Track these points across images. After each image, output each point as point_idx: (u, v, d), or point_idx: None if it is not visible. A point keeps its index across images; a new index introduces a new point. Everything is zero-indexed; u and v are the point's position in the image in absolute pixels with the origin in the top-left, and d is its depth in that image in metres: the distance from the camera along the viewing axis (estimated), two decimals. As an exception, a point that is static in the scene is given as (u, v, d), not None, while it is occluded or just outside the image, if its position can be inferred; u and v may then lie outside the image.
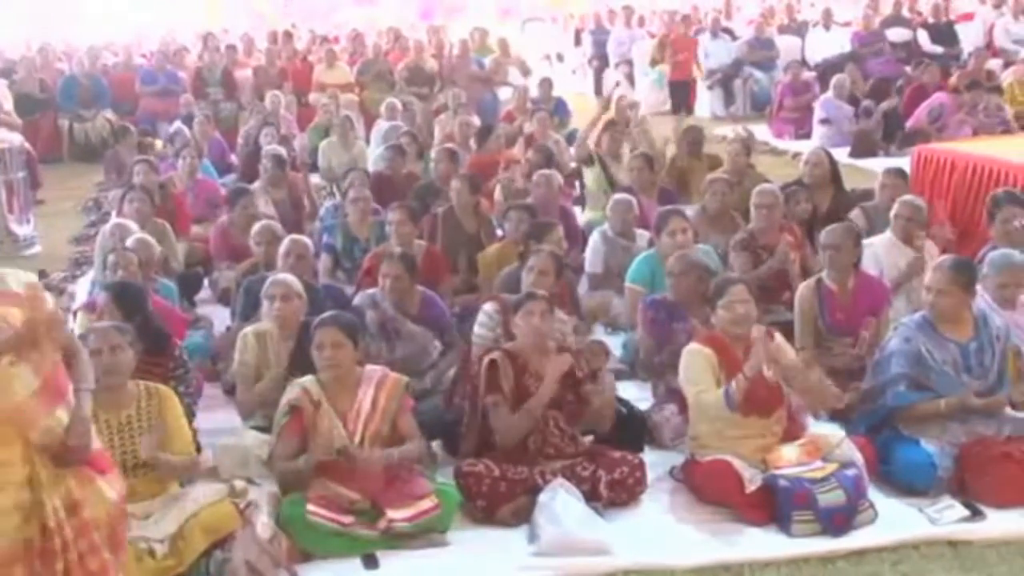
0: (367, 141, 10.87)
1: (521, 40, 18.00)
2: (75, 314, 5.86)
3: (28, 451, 2.94)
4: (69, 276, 7.95)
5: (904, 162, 8.34)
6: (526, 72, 14.87)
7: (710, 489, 4.31)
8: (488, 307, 5.24)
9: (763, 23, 16.24)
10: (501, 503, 4.21)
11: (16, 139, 9.57)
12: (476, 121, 11.01)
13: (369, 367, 4.38)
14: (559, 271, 5.42)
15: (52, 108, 13.16)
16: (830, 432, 4.54)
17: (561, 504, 4.06)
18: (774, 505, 4.12)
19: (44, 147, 12.18)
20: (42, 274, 8.00)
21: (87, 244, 8.63)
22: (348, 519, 3.96)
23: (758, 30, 15.65)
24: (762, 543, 4.03)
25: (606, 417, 4.57)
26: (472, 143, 9.83)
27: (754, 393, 4.27)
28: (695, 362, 4.44)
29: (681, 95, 15.40)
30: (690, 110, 15.09)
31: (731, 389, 4.25)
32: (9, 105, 12.24)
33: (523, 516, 4.17)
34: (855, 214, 6.79)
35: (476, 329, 5.22)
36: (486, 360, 4.45)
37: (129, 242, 6.04)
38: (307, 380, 4.28)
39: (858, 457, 4.23)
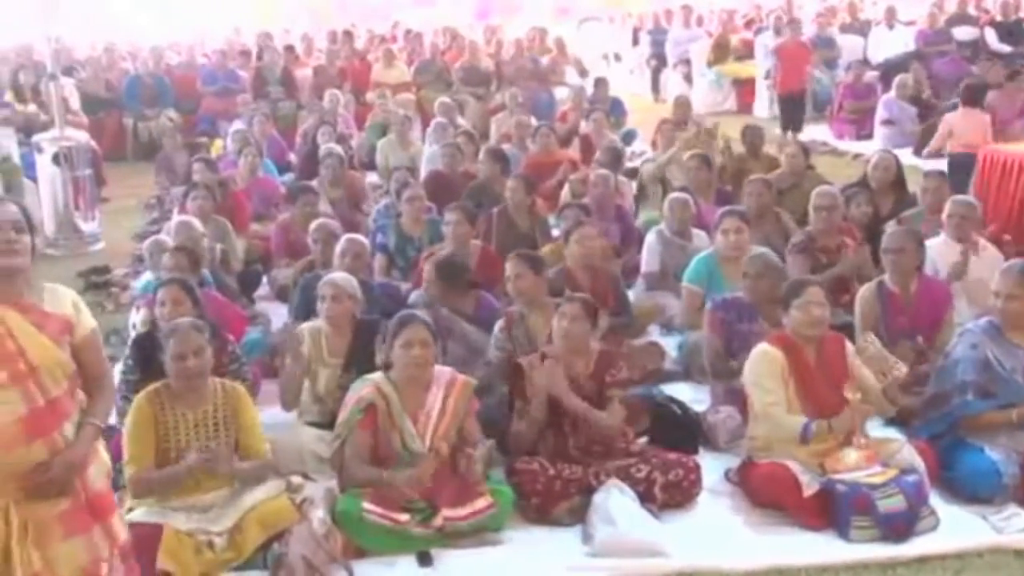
0: (423, 140, 10.92)
1: (578, 40, 17.96)
2: (137, 308, 5.96)
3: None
4: (131, 272, 8.08)
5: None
6: (583, 72, 14.84)
7: (767, 492, 4.26)
8: (496, 325, 5.20)
9: (825, 22, 16.02)
10: (555, 502, 4.21)
11: (82, 137, 9.75)
12: (532, 121, 11.01)
13: (438, 368, 4.38)
14: (536, 269, 5.23)
15: (117, 107, 13.40)
16: (890, 437, 4.46)
17: (616, 504, 4.05)
18: (832, 510, 4.07)
19: (109, 145, 12.39)
20: (105, 270, 8.17)
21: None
22: (403, 517, 3.97)
23: (820, 29, 15.45)
24: (819, 548, 3.98)
25: (609, 436, 4.46)
26: (529, 143, 9.83)
27: (821, 405, 4.22)
28: (763, 365, 4.38)
29: (792, 110, 12.98)
30: (749, 110, 14.93)
31: (811, 429, 4.20)
32: (76, 104, 12.48)
33: (577, 516, 4.17)
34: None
35: (491, 351, 5.20)
36: (512, 364, 4.47)
37: (180, 237, 6.14)
38: (379, 377, 4.29)
39: (919, 463, 4.15)
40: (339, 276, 5.15)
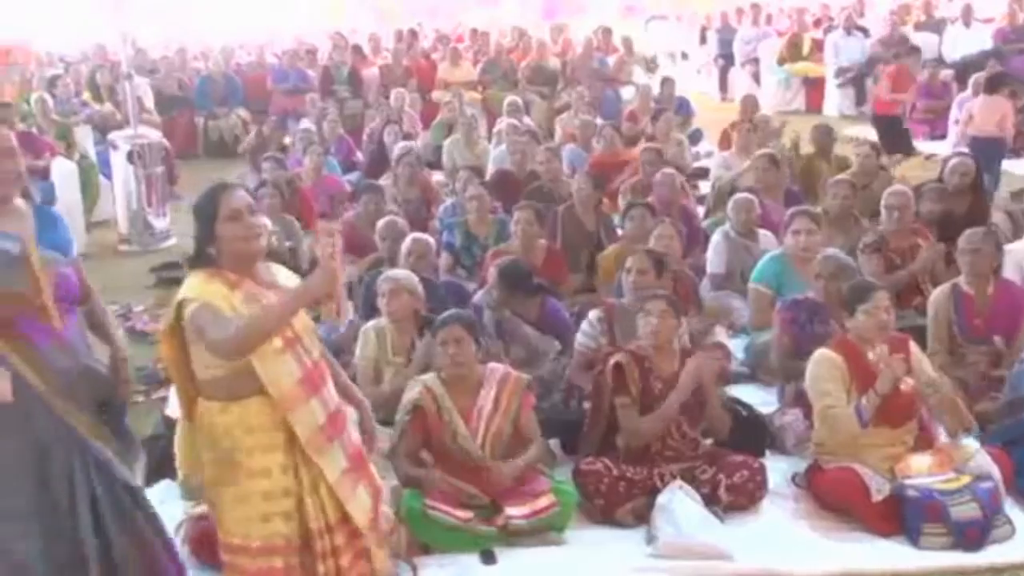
0: (489, 139, 10.93)
1: (645, 38, 17.86)
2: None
3: (291, 443, 3.04)
4: (201, 268, 8.19)
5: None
6: (650, 71, 14.76)
7: (834, 497, 4.20)
8: (592, 314, 5.19)
9: (899, 19, 15.73)
10: (619, 503, 4.19)
11: (155, 135, 9.93)
12: (598, 120, 10.98)
13: (491, 365, 4.39)
14: (659, 270, 5.30)
15: (189, 106, 13.62)
16: (964, 443, 4.36)
17: (680, 506, 4.02)
18: (902, 516, 4.00)
19: (180, 143, 12.58)
20: (176, 266, 8.30)
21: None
22: (466, 514, 3.99)
23: (893, 27, 15.16)
24: (888, 555, 3.92)
25: (721, 426, 4.48)
26: (594, 142, 9.80)
27: (887, 404, 4.14)
28: (824, 370, 4.32)
29: (892, 132, 11.65)
30: (818, 109, 14.72)
31: (862, 406, 4.13)
32: (150, 103, 12.72)
33: (641, 517, 4.16)
34: (999, 218, 6.50)
35: (579, 337, 5.20)
36: (611, 362, 4.42)
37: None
38: (429, 378, 4.31)
39: (994, 470, 4.06)
40: (398, 272, 5.18)
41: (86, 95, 12.68)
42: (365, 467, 3.19)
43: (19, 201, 3.29)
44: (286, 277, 3.21)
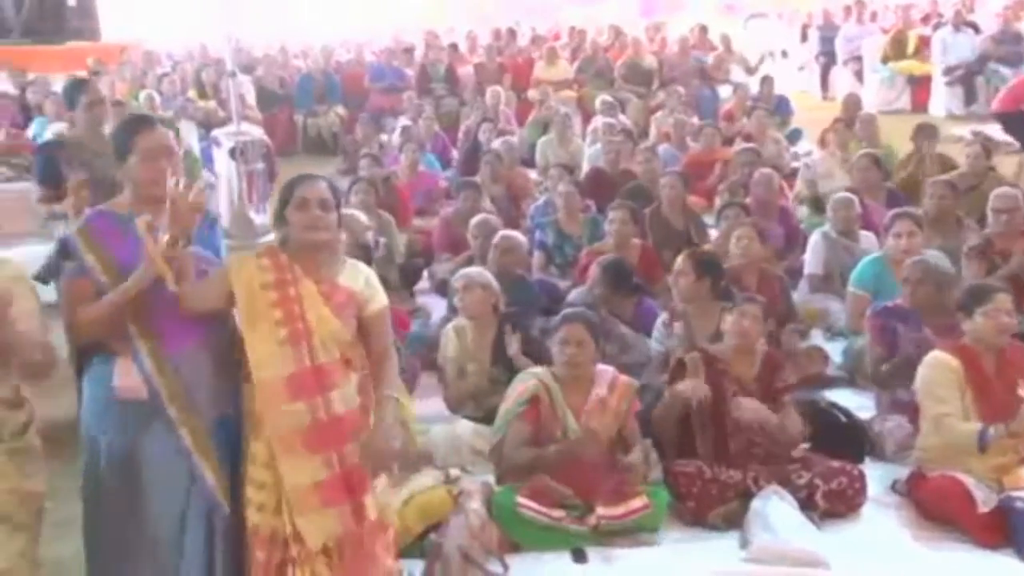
0: (583, 137, 10.90)
1: (744, 36, 17.58)
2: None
3: None
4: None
5: None
6: (748, 69, 14.53)
7: (937, 506, 4.09)
8: (661, 317, 5.14)
9: (1011, 16, 15.19)
10: (712, 506, 4.14)
11: (257, 132, 10.14)
12: (694, 119, 10.86)
13: (601, 367, 4.37)
14: (700, 272, 5.15)
15: (289, 103, 13.87)
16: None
17: (775, 511, 3.95)
18: (1009, 528, 3.87)
19: (280, 140, 12.81)
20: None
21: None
22: (558, 513, 3.98)
23: (1005, 23, 14.66)
24: (994, 568, 3.80)
25: (783, 441, 4.36)
26: (688, 141, 9.69)
27: (997, 411, 4.00)
28: (940, 375, 4.20)
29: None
30: (924, 108, 14.31)
31: (989, 435, 3.99)
32: (252, 100, 12.99)
33: (735, 520, 4.10)
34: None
35: (652, 343, 5.14)
36: (674, 360, 4.40)
37: (346, 229, 6.26)
38: (542, 372, 4.31)
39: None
40: (471, 268, 5.18)
41: (192, 92, 13.00)
42: (356, 494, 3.10)
43: None
44: (353, 277, 3.20)
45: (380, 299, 3.25)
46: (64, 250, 3.14)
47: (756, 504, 4.03)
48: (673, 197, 7.10)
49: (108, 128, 5.07)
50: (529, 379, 4.28)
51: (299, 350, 3.04)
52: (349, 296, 3.16)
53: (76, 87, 5.38)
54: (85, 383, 3.19)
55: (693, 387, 4.24)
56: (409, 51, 15.09)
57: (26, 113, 11.20)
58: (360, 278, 3.22)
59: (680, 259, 5.24)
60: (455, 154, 11.06)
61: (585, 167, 9.39)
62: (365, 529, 3.12)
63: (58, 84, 12.16)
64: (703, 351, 4.42)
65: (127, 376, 3.08)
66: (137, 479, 3.10)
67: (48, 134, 8.75)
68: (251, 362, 3.03)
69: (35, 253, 5.53)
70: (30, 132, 10.14)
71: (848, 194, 6.73)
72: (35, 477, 2.97)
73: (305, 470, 3.03)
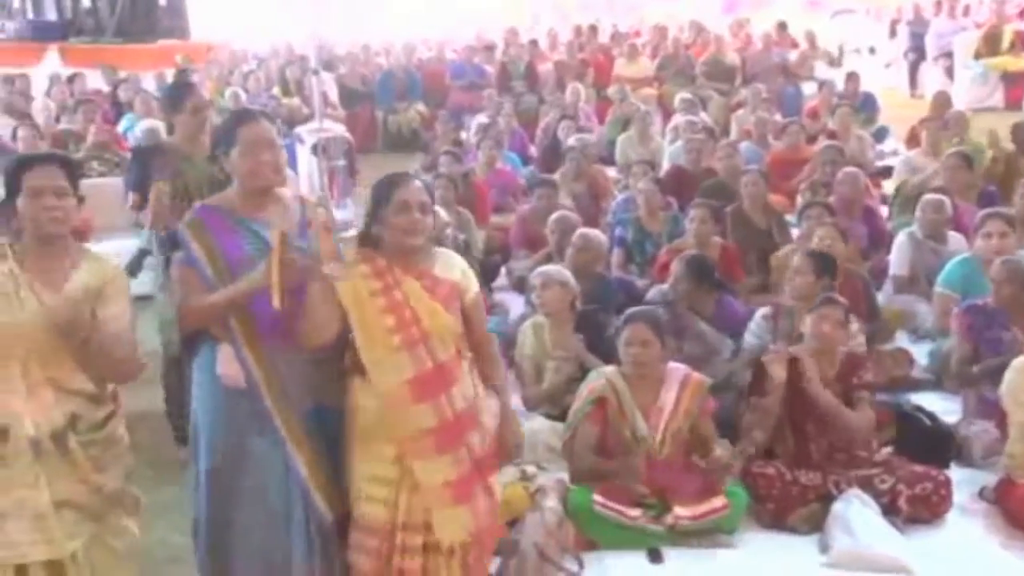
0: (664, 135, 10.83)
1: (830, 33, 17.27)
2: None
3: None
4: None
5: None
6: (832, 62, 14.27)
7: (1027, 514, 3.96)
8: (760, 312, 5.07)
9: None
10: (792, 508, 4.09)
11: (338, 129, 10.27)
12: (776, 117, 10.71)
13: (672, 365, 4.33)
14: (819, 271, 5.10)
15: (370, 101, 14.02)
16: None
17: (857, 515, 3.89)
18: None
19: (361, 137, 12.94)
20: (356, 256, 8.55)
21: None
22: (634, 512, 3.96)
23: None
24: (1087, 580, 3.67)
25: (856, 439, 4.27)
26: (770, 139, 9.56)
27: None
28: None
29: None
30: (1018, 105, 13.88)
31: None
32: (334, 98, 13.16)
33: (815, 524, 4.04)
34: None
35: (746, 336, 5.08)
36: (759, 361, 4.35)
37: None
38: (611, 371, 4.29)
39: None
40: (549, 266, 5.17)
41: (276, 90, 13.22)
42: (484, 479, 3.15)
43: (285, 192, 3.32)
44: (448, 267, 3.22)
45: (475, 285, 3.27)
46: (173, 241, 3.22)
47: (837, 507, 3.97)
48: (755, 195, 7.01)
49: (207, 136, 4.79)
50: (598, 379, 4.26)
51: (416, 353, 3.05)
52: (451, 286, 3.17)
53: (181, 90, 5.01)
54: (194, 368, 3.26)
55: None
56: (490, 49, 15.13)
57: (117, 110, 11.50)
58: (456, 267, 3.24)
59: (798, 258, 5.17)
60: (533, 151, 11.06)
61: (665, 165, 9.32)
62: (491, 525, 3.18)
63: (147, 82, 12.51)
64: (787, 352, 4.35)
65: (229, 364, 3.14)
66: (241, 464, 3.16)
67: (138, 131, 8.99)
68: (370, 369, 3.05)
69: (126, 247, 5.73)
70: (120, 128, 10.42)
71: (939, 196, 6.57)
72: (109, 471, 3.02)
73: (438, 470, 3.06)
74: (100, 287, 2.97)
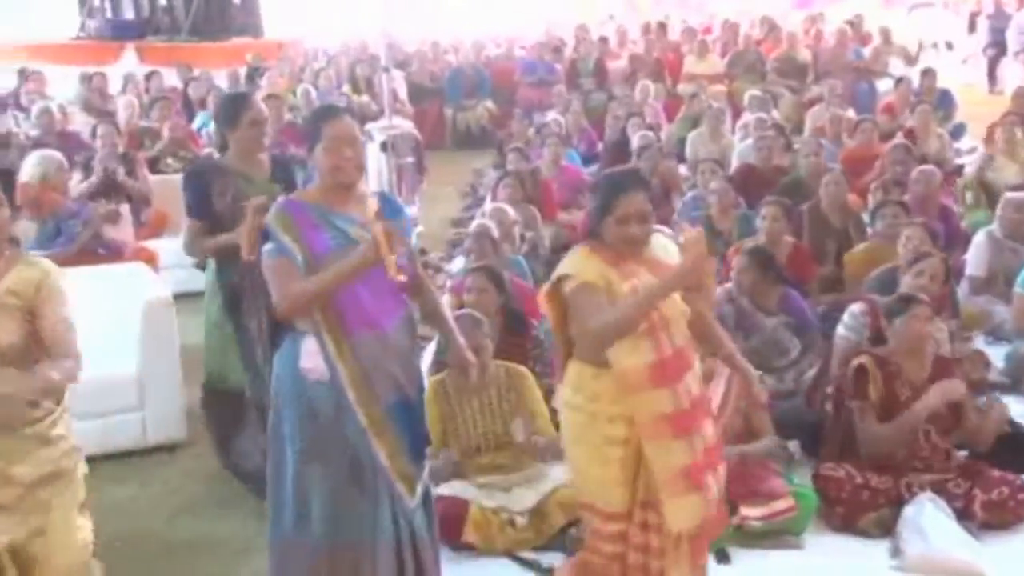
0: (733, 132, 10.71)
1: (906, 27, 16.94)
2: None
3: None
4: (446, 256, 8.49)
5: None
6: (908, 59, 13.98)
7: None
8: (855, 308, 4.99)
9: None
10: (862, 512, 4.03)
11: (407, 126, 10.34)
12: (850, 114, 10.53)
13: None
14: (946, 278, 5.04)
15: (439, 98, 14.09)
16: None
17: (930, 520, 3.82)
18: None
19: (429, 134, 13.03)
20: (422, 252, 8.62)
21: (464, 226, 9.17)
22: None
23: None
24: None
25: (985, 439, 4.21)
26: (844, 137, 9.40)
27: None
28: None
29: None
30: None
31: None
32: (404, 95, 13.25)
33: (886, 528, 3.98)
34: None
35: (840, 330, 5.01)
36: (854, 364, 4.26)
37: (493, 222, 6.35)
38: None
39: None
40: None
41: (347, 87, 13.35)
42: (714, 468, 3.11)
43: (364, 188, 3.36)
44: (667, 252, 3.19)
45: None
46: (264, 234, 3.26)
47: (909, 512, 3.90)
48: (835, 195, 6.90)
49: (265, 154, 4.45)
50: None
51: (657, 339, 3.03)
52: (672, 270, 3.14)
53: (238, 103, 4.38)
54: (276, 360, 3.30)
55: (950, 388, 4.13)
56: (558, 49, 15.10)
57: (190, 107, 11.72)
58: (672, 250, 3.21)
59: (930, 264, 5.07)
60: (601, 149, 11.01)
61: (735, 163, 9.22)
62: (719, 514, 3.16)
63: (220, 79, 12.72)
64: (873, 354, 4.28)
65: (312, 358, 3.17)
66: (328, 448, 3.20)
67: (212, 128, 9.14)
68: (611, 353, 3.01)
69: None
70: (195, 125, 10.62)
71: (1020, 194, 6.41)
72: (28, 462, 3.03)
73: (674, 456, 3.02)
74: (32, 293, 3.01)
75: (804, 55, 13.87)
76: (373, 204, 3.20)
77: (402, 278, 3.05)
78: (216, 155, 5.02)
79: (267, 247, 3.22)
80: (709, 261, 3.01)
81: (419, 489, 3.29)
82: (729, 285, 5.45)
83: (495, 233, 6.12)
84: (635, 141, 9.30)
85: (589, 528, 3.18)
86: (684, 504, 3.02)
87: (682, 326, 3.09)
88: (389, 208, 3.31)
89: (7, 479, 2.99)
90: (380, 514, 3.21)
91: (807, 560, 3.86)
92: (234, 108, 4.35)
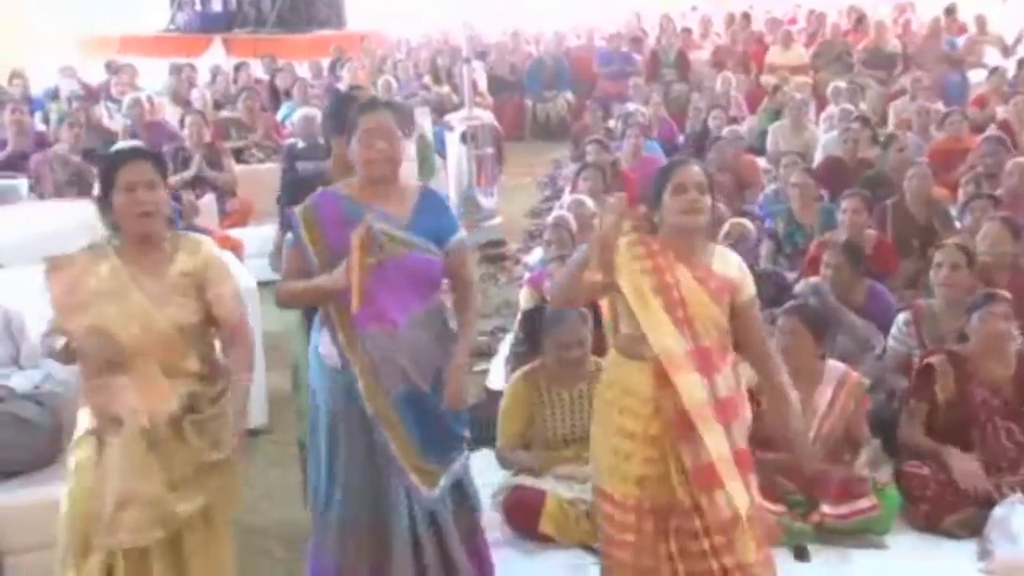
0: (817, 124, 10.52)
1: (1003, 16, 16.40)
2: (520, 285, 6.24)
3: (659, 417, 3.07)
4: (524, 248, 8.50)
5: None
6: (1005, 50, 13.56)
7: None
8: (900, 317, 4.87)
9: None
10: (947, 512, 3.94)
11: (487, 117, 10.36)
12: (939, 106, 10.26)
13: (831, 363, 4.23)
14: (971, 263, 4.86)
15: (519, 89, 14.10)
16: None
17: (1020, 521, 3.72)
18: None
19: (509, 125, 13.03)
20: (500, 243, 8.65)
21: (542, 218, 9.17)
22: (780, 508, 3.89)
23: None
24: None
25: None
26: (932, 130, 9.17)
27: None
28: None
29: None
30: None
31: None
32: (484, 86, 13.29)
33: (972, 529, 3.89)
34: None
35: (889, 340, 4.90)
36: (922, 363, 4.18)
37: (573, 214, 6.33)
38: None
39: None
40: None
41: (427, 78, 13.43)
42: (745, 475, 3.08)
43: (405, 183, 3.38)
44: (726, 263, 3.15)
45: (751, 287, 3.19)
46: (288, 223, 3.32)
47: (998, 512, 3.81)
48: (920, 188, 6.73)
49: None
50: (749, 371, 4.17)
51: (682, 333, 3.02)
52: (723, 282, 3.10)
53: (348, 104, 3.72)
54: (312, 336, 3.39)
55: (972, 477, 4.01)
56: (638, 40, 14.98)
57: (275, 98, 11.90)
58: (733, 265, 3.17)
59: (947, 252, 4.86)
60: (681, 140, 10.91)
61: (819, 155, 9.06)
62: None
63: (302, 70, 12.90)
64: (950, 352, 4.18)
65: (328, 344, 3.27)
66: (353, 428, 3.27)
67: (295, 118, 9.28)
68: (648, 332, 3.02)
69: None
70: (279, 116, 10.78)
71: None
72: (222, 445, 3.11)
73: (720, 439, 3.01)
74: (202, 271, 3.10)
75: (894, 45, 13.55)
76: (410, 199, 3.25)
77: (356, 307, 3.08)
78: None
79: (288, 235, 3.31)
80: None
81: (443, 481, 3.31)
82: (814, 279, 5.36)
83: (573, 225, 6.10)
84: (723, 134, 9.17)
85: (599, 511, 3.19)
86: (736, 488, 2.99)
87: (711, 330, 3.04)
88: (430, 205, 3.33)
89: (207, 463, 3.09)
90: (394, 499, 3.26)
91: (889, 561, 3.79)
92: (345, 110, 4.07)
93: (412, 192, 3.35)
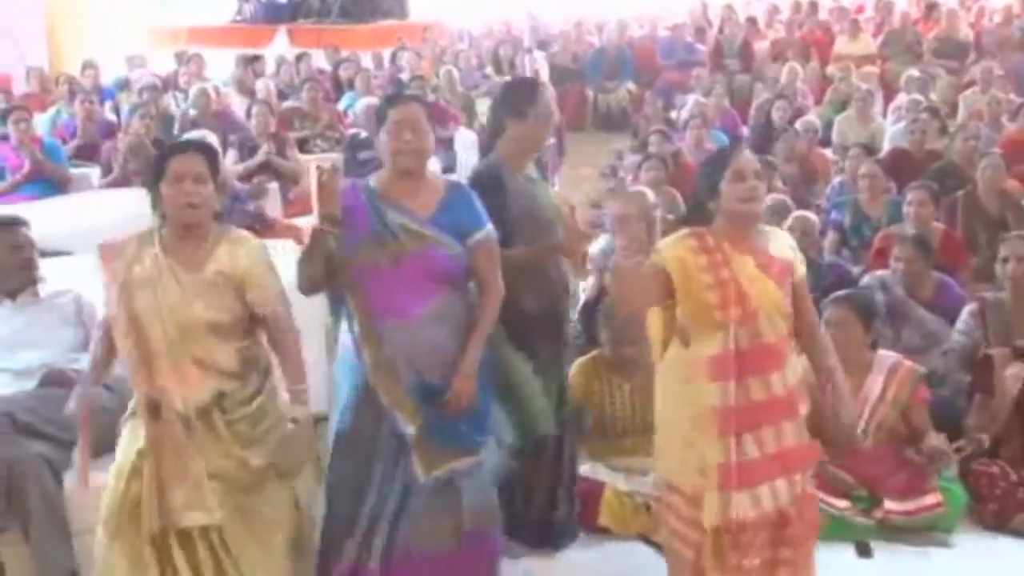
0: (885, 115, 10.35)
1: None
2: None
3: None
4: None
5: None
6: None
7: None
8: (967, 309, 4.78)
9: None
10: (1016, 511, 3.89)
11: (549, 107, 10.33)
12: (1011, 97, 10.03)
13: (882, 352, 4.18)
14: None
15: (580, 79, 14.03)
16: None
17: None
18: None
19: (570, 115, 12.99)
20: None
21: (604, 208, 9.13)
22: (843, 504, 3.86)
23: None
24: None
25: None
26: (1004, 120, 8.97)
27: None
28: None
29: None
30: None
31: None
32: (545, 76, 13.25)
33: (1042, 529, 3.81)
34: None
35: (955, 334, 4.82)
36: (982, 354, 4.13)
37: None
38: None
39: None
40: None
41: (489, 68, 13.44)
42: (789, 475, 3.01)
43: (433, 177, 3.40)
44: (780, 245, 3.13)
45: (803, 266, 3.17)
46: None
47: (1068, 512, 3.72)
48: (992, 180, 6.61)
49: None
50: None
51: (727, 333, 2.96)
52: (784, 265, 3.08)
53: (529, 91, 3.72)
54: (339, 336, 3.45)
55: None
56: (701, 30, 14.84)
57: (338, 88, 12.00)
58: (786, 245, 3.15)
59: (1007, 244, 4.82)
60: (745, 132, 10.80)
61: (887, 146, 8.92)
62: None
63: (365, 60, 12.99)
64: (1016, 348, 4.10)
65: (347, 334, 3.32)
66: (357, 421, 3.32)
67: (357, 108, 9.35)
68: (693, 336, 3.00)
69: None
70: (341, 106, 10.87)
71: None
72: (256, 447, 3.14)
73: (717, 452, 2.97)
74: (241, 273, 3.12)
75: (965, 33, 13.27)
76: (434, 196, 3.28)
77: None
78: None
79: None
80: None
81: (438, 474, 3.28)
82: (880, 272, 5.29)
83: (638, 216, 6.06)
84: (796, 126, 9.07)
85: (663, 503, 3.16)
86: (711, 499, 2.95)
87: (776, 322, 2.99)
88: (456, 201, 3.32)
89: (238, 460, 3.13)
90: (375, 474, 3.29)
91: (954, 558, 3.75)
92: (522, 96, 3.76)
93: (439, 187, 3.37)
